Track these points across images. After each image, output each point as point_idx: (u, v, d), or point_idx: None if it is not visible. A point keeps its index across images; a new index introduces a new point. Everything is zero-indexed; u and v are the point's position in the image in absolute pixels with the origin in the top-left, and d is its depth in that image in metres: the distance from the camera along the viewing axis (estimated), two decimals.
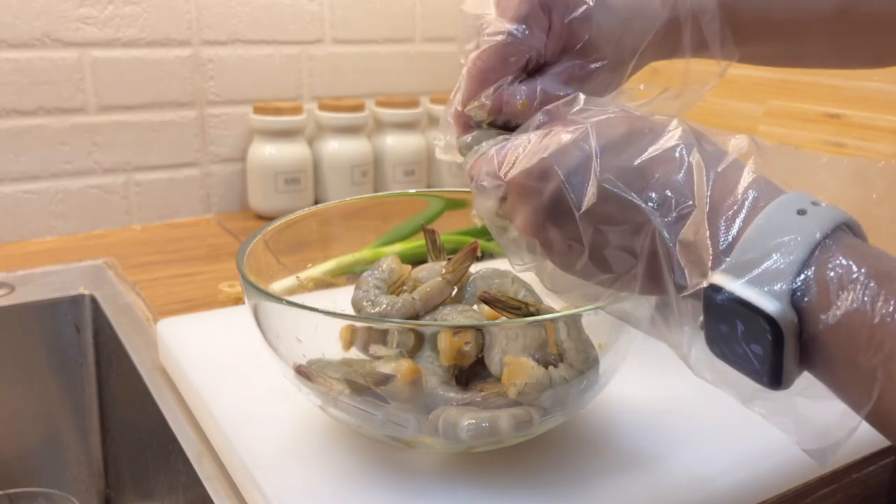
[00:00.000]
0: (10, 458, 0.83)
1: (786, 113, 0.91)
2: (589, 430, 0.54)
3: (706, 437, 0.53)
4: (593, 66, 0.43)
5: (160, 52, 1.03)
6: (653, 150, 0.34)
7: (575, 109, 0.39)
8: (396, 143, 1.16)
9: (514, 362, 0.46)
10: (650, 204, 0.33)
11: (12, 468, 0.83)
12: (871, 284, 0.29)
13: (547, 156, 0.36)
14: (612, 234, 0.35)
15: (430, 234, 0.58)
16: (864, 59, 0.51)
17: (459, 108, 0.43)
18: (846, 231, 0.31)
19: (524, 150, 0.38)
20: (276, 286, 0.59)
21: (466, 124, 0.44)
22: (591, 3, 0.42)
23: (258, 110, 1.07)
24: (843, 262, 0.29)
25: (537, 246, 0.39)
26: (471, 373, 0.49)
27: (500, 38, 0.41)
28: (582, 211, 0.35)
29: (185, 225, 1.08)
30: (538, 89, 0.41)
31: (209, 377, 0.60)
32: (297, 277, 0.61)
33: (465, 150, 0.43)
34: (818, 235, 0.30)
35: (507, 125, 0.43)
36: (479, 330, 0.49)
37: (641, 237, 0.34)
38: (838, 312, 0.29)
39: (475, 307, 0.53)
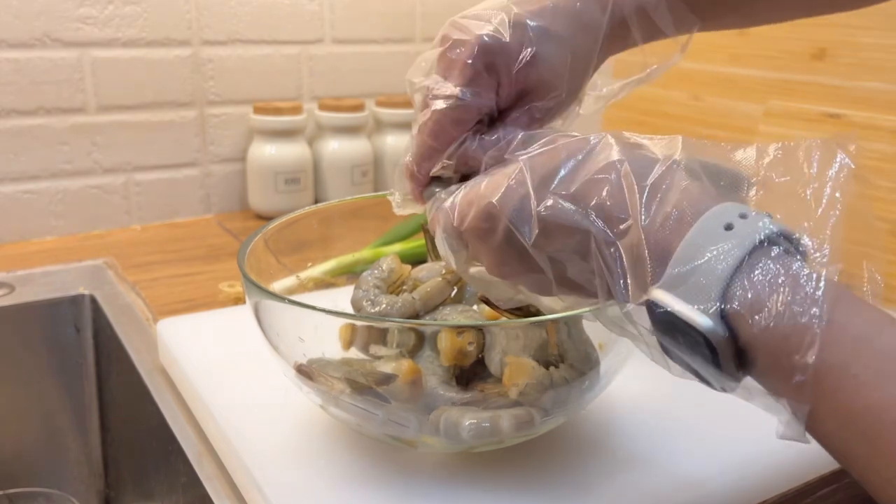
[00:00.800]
0: (10, 458, 0.83)
1: (786, 113, 0.91)
2: (590, 431, 0.54)
3: (706, 437, 0.53)
4: (551, 103, 0.44)
5: (160, 52, 1.03)
6: (586, 173, 0.35)
7: (514, 147, 0.40)
8: (396, 143, 1.16)
9: (515, 363, 0.46)
10: (592, 224, 0.34)
11: (12, 468, 0.83)
12: (798, 285, 0.29)
13: (492, 200, 0.37)
14: (566, 258, 0.36)
15: (430, 234, 0.58)
16: None
17: (411, 166, 0.45)
18: (775, 239, 0.31)
19: (471, 198, 0.39)
20: (277, 286, 0.59)
21: (420, 179, 0.45)
22: (533, 48, 0.42)
23: (258, 110, 1.07)
24: (766, 272, 0.30)
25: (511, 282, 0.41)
26: (471, 373, 0.49)
27: (449, 102, 0.42)
28: (531, 244, 0.36)
29: (185, 225, 1.08)
30: (501, 140, 0.42)
31: (209, 377, 0.60)
32: (298, 277, 0.61)
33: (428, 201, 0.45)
34: (740, 252, 0.30)
35: (468, 175, 0.44)
36: (480, 330, 0.49)
37: (592, 256, 0.35)
38: (765, 319, 0.29)
39: (475, 307, 0.53)
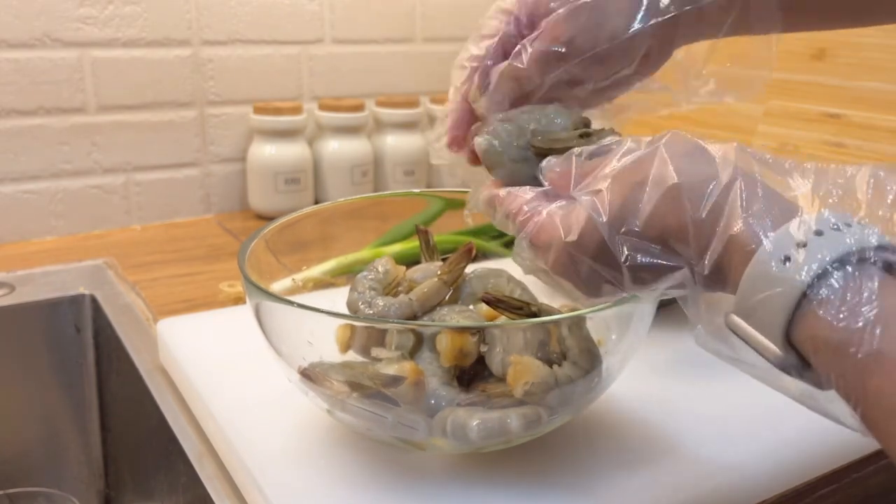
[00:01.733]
0: (10, 458, 0.83)
1: (786, 113, 0.91)
2: (593, 428, 0.54)
3: (707, 437, 0.53)
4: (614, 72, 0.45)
5: (160, 52, 1.03)
6: (650, 207, 0.36)
7: (576, 175, 0.40)
8: (396, 143, 1.16)
9: (520, 362, 0.46)
10: (675, 256, 0.35)
11: (12, 468, 0.83)
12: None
13: (569, 241, 0.38)
14: (649, 277, 0.37)
15: (424, 235, 0.58)
16: None
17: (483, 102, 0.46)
18: (838, 265, 0.30)
19: (547, 239, 0.39)
20: (277, 286, 0.59)
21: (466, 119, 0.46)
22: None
23: (258, 110, 1.07)
24: (828, 300, 0.30)
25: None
26: (471, 373, 0.49)
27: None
28: (624, 287, 0.37)
29: (185, 225, 1.08)
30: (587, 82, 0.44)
31: (209, 377, 0.60)
32: (293, 280, 0.61)
33: (489, 153, 0.44)
34: (800, 285, 0.30)
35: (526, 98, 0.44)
36: (481, 331, 0.49)
37: (675, 276, 0.36)
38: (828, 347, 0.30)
39: (471, 307, 0.53)
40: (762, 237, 0.32)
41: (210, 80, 1.07)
